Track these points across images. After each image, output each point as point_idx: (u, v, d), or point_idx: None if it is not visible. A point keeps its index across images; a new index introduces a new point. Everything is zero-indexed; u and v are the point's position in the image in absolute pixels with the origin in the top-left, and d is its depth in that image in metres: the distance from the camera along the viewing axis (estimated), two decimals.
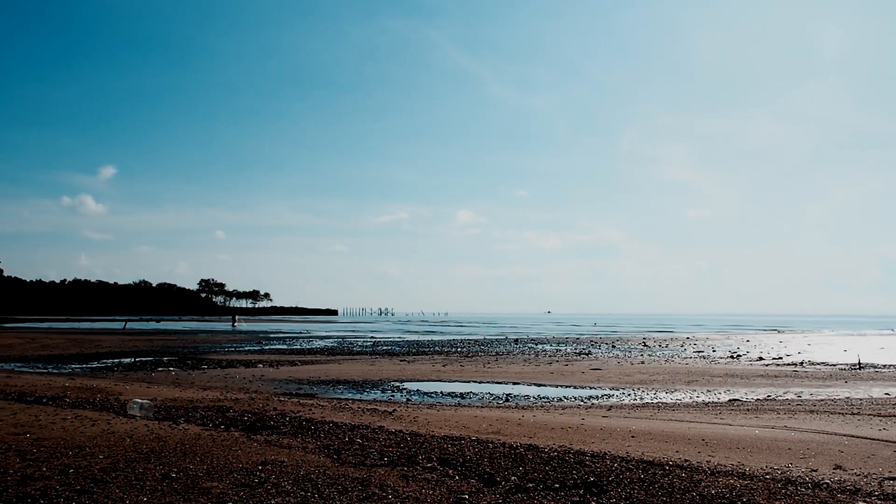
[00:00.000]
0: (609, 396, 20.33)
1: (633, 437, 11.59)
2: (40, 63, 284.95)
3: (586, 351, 41.90)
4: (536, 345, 49.41)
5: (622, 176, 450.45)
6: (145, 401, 12.54)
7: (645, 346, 48.73)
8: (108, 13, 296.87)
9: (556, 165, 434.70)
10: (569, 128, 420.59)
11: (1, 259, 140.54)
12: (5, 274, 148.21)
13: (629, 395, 20.75)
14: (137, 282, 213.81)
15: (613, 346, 47.31)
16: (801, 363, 32.45)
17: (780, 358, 35.99)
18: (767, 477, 8.52)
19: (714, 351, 42.27)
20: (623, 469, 8.69)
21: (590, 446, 10.45)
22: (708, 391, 21.57)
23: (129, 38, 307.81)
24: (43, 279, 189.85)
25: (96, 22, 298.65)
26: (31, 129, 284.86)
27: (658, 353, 39.71)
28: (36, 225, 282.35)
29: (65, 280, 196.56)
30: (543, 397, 20.05)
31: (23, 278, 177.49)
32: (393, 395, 19.73)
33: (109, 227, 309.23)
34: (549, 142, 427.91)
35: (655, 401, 19.26)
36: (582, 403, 18.63)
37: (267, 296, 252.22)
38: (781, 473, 8.75)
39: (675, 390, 21.84)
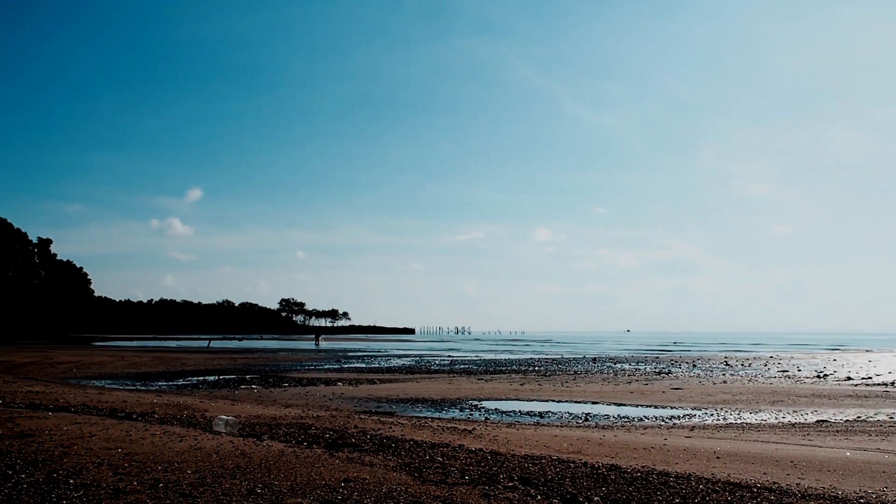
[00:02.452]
0: (691, 416, 19.92)
1: (717, 457, 11.34)
2: (131, 91, 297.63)
3: (666, 370, 41.15)
4: (615, 364, 48.73)
5: (701, 192, 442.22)
6: (230, 417, 12.80)
7: (727, 364, 47.58)
8: (192, 43, 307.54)
9: (632, 183, 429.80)
10: (646, 144, 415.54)
11: (92, 279, 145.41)
12: (96, 294, 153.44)
13: (712, 415, 20.30)
14: (220, 301, 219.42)
15: (694, 366, 46.34)
16: (893, 383, 31.21)
17: (870, 378, 34.69)
18: (861, 501, 8.24)
19: (799, 370, 40.98)
20: (709, 491, 8.51)
21: (673, 467, 10.26)
22: (794, 412, 20.95)
23: (212, 66, 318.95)
24: (131, 299, 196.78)
25: (182, 51, 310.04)
26: (122, 154, 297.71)
27: (741, 373, 38.73)
28: (125, 247, 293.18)
29: (151, 300, 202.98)
30: (623, 417, 19.77)
31: (112, 298, 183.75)
32: (472, 414, 19.72)
33: (195, 248, 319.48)
34: (625, 159, 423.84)
35: (739, 421, 18.79)
36: (663, 423, 18.31)
37: (345, 315, 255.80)
38: (877, 498, 8.45)
39: (760, 410, 21.27)
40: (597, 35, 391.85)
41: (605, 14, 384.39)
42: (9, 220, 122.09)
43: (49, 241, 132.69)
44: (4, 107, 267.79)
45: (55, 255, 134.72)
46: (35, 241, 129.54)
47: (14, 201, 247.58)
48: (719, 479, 9.31)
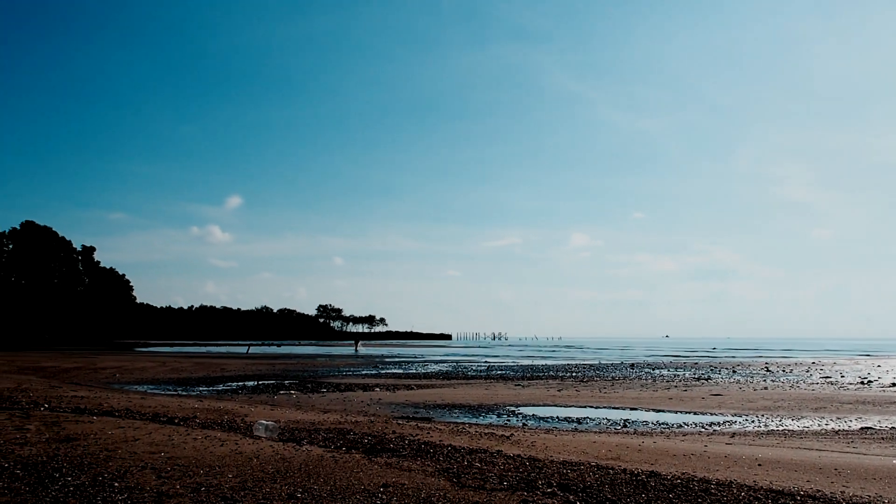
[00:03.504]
0: (731, 423, 19.69)
1: (759, 465, 11.21)
2: (171, 100, 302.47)
3: (705, 376, 40.68)
4: (653, 370, 48.29)
5: (740, 197, 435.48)
6: (270, 422, 12.93)
7: (767, 371, 46.91)
8: (228, 52, 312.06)
9: (669, 188, 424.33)
10: (683, 149, 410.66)
11: (133, 286, 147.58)
12: (138, 301, 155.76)
13: (753, 421, 20.04)
14: (259, 307, 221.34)
15: (734, 372, 45.75)
16: None
17: None
18: None
19: (842, 376, 40.26)
20: (751, 498, 8.42)
21: (714, 474, 10.17)
22: (837, 418, 20.59)
23: (249, 74, 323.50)
24: (172, 305, 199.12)
25: (221, 59, 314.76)
26: (163, 163, 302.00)
27: (782, 379, 38.16)
28: (166, 254, 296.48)
29: (192, 306, 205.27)
30: (662, 423, 19.59)
31: (154, 304, 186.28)
32: (509, 420, 19.68)
33: (234, 255, 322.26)
34: (663, 164, 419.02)
35: (781, 428, 18.53)
36: (703, 430, 18.12)
37: (382, 321, 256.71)
38: None
39: (802, 417, 20.95)
40: (633, 39, 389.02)
41: (641, 18, 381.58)
42: (54, 229, 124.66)
43: (92, 249, 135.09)
44: (47, 118, 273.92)
45: (98, 262, 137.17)
46: (79, 248, 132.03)
47: (58, 210, 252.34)
48: (761, 487, 9.20)
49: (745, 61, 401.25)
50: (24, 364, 41.57)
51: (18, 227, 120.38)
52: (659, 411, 22.49)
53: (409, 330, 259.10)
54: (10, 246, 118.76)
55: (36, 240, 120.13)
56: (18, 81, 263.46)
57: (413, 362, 58.50)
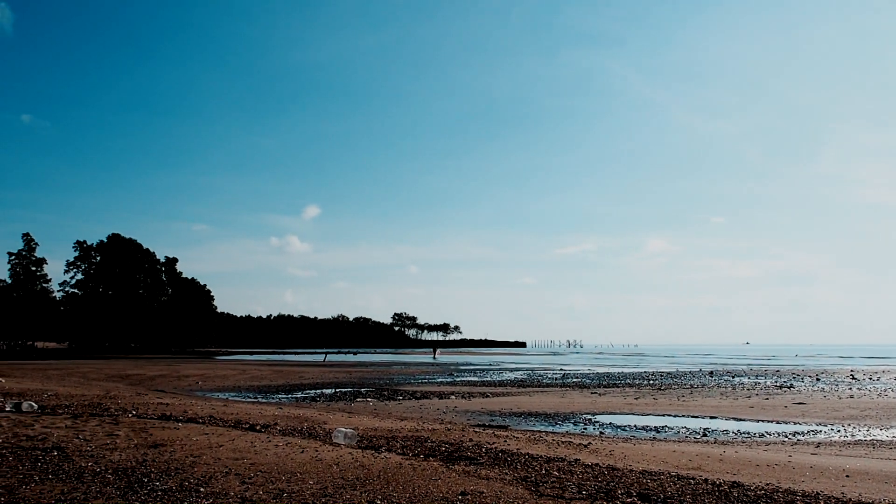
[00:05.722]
0: (816, 432, 19.15)
1: (847, 476, 10.89)
2: (250, 114, 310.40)
3: (787, 384, 39.61)
4: (733, 377, 47.24)
5: (822, 199, 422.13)
6: (349, 430, 13.10)
7: (853, 378, 45.41)
8: (305, 66, 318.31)
9: (748, 191, 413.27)
10: (762, 151, 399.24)
11: (214, 296, 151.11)
12: (218, 310, 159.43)
13: (839, 431, 19.46)
14: (336, 316, 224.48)
15: (817, 379, 44.42)
16: None
17: None
18: None
19: None
20: None
21: (800, 485, 9.92)
22: None
23: (325, 87, 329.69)
24: (251, 314, 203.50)
25: (298, 73, 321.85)
26: (243, 175, 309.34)
27: (868, 387, 36.89)
28: (246, 264, 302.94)
29: (270, 315, 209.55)
30: (744, 432, 19.17)
31: (234, 314, 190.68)
32: (586, 428, 19.54)
33: (312, 265, 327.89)
34: (741, 167, 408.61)
35: (869, 438, 17.95)
36: (786, 439, 17.67)
37: (457, 328, 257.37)
38: None
39: (891, 427, 20.24)
40: (706, 41, 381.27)
41: (714, 19, 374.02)
42: (138, 241, 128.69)
43: (175, 260, 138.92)
44: (133, 134, 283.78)
45: (181, 272, 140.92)
46: (162, 259, 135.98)
47: (143, 222, 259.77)
48: (850, 499, 8.96)
49: (826, 60, 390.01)
50: (112, 372, 43.01)
51: (105, 240, 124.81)
52: (740, 420, 22.01)
53: (483, 338, 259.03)
54: (98, 258, 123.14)
55: (122, 252, 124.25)
56: (107, 100, 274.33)
57: (488, 370, 58.50)
